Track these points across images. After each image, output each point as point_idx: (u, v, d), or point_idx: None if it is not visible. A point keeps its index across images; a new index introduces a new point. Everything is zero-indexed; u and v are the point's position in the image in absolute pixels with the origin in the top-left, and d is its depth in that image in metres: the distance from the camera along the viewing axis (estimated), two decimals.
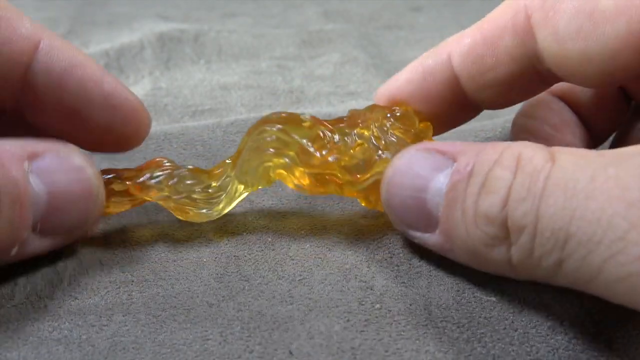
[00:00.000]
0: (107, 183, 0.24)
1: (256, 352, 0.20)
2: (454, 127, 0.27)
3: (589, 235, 0.17)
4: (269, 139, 0.24)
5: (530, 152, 0.19)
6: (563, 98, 0.27)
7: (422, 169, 0.22)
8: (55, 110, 0.23)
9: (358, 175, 0.24)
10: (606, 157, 0.18)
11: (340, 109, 0.36)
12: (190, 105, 0.38)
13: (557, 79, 0.23)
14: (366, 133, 0.24)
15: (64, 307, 0.21)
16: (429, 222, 0.22)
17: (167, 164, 0.25)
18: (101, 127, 0.24)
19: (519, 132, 0.27)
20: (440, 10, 0.57)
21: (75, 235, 0.23)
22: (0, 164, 0.20)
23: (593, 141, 0.28)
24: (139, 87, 0.41)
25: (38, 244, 0.22)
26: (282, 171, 0.24)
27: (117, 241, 0.25)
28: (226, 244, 0.25)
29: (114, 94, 0.24)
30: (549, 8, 0.22)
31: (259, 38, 0.49)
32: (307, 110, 0.36)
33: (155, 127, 0.35)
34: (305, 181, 0.24)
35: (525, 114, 0.27)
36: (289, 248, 0.24)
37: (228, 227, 0.26)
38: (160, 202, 0.24)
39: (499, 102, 0.25)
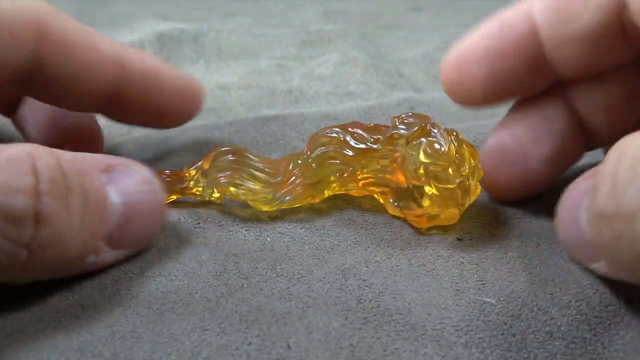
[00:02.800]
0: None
1: (254, 344, 0.20)
2: (524, 95, 0.26)
3: None
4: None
5: (634, 138, 0.19)
6: (568, 101, 0.26)
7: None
8: (140, 112, 0.27)
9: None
10: None
11: (339, 109, 0.36)
12: None
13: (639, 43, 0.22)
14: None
15: (63, 302, 0.21)
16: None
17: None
18: (175, 113, 0.28)
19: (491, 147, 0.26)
20: (440, 10, 0.57)
21: (142, 247, 0.23)
22: (87, 173, 0.21)
23: (590, 146, 0.27)
24: None
25: (109, 256, 0.22)
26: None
27: None
28: (225, 243, 0.25)
29: (187, 85, 0.28)
30: None
31: (259, 38, 0.49)
32: (305, 109, 0.36)
33: (154, 130, 0.35)
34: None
35: (503, 125, 0.26)
36: (288, 249, 0.24)
37: (226, 226, 0.26)
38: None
39: (576, 64, 0.24)
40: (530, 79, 0.24)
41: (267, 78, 0.42)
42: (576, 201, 0.21)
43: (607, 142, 0.25)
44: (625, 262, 0.19)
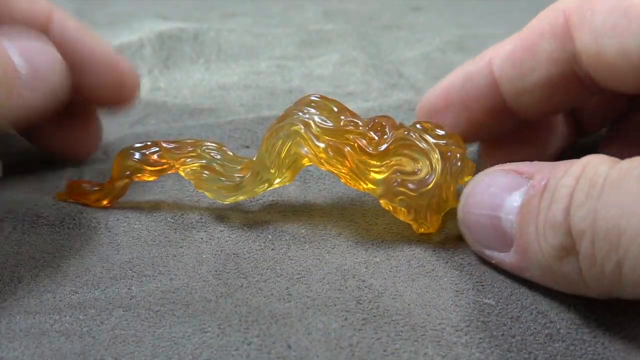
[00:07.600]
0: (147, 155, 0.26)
1: (254, 344, 0.20)
2: (490, 136, 0.27)
3: (638, 229, 0.18)
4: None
5: (597, 160, 0.19)
6: None
7: (498, 188, 0.22)
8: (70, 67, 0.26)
9: (372, 152, 0.24)
10: None
11: None
12: (188, 104, 0.38)
13: (596, 87, 0.23)
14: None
15: (64, 301, 0.22)
16: (504, 241, 0.22)
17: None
18: (102, 83, 0.28)
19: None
20: (440, 10, 0.57)
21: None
22: None
23: (578, 134, 0.29)
24: None
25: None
26: (299, 150, 0.24)
27: (119, 236, 0.25)
28: (226, 241, 0.25)
29: (114, 58, 0.28)
30: (586, 9, 0.22)
31: (259, 38, 0.49)
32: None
33: (154, 126, 0.35)
34: (321, 153, 0.24)
35: None
36: (289, 248, 0.24)
37: (229, 225, 0.26)
38: (185, 169, 0.26)
39: (537, 110, 0.25)
40: (493, 123, 0.26)
41: (267, 78, 0.42)
42: (499, 195, 0.22)
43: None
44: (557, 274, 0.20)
